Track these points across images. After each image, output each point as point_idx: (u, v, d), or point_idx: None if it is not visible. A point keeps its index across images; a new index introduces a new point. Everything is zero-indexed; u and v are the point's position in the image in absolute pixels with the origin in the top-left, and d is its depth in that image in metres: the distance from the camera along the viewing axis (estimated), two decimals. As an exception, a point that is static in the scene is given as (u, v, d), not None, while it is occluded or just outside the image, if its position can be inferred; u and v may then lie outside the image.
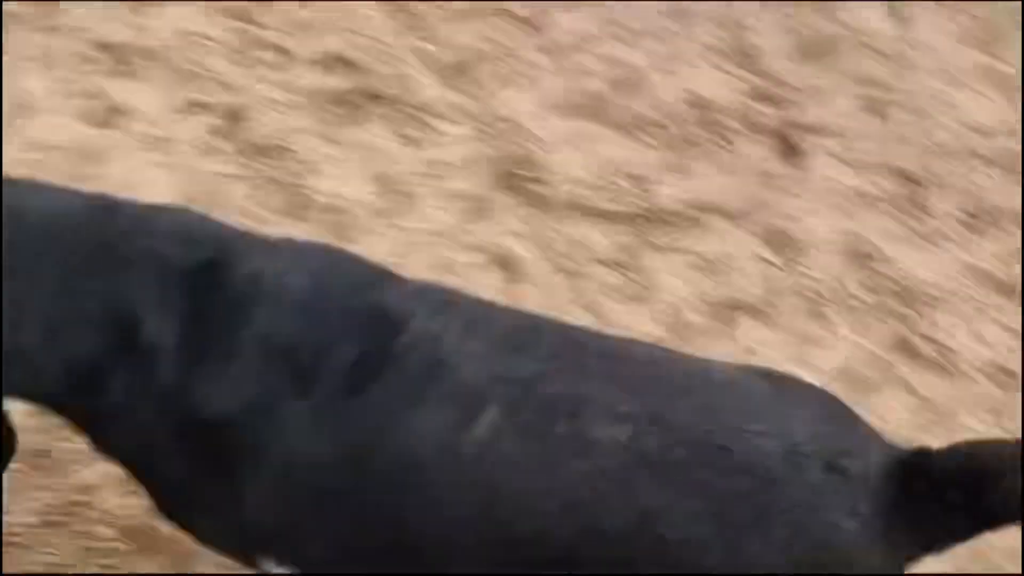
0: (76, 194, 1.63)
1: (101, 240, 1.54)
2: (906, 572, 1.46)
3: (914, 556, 1.45)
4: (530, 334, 1.63)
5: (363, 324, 1.58)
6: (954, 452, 1.43)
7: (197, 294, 1.56)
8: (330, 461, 1.58)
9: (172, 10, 3.57)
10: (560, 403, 1.50)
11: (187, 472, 1.64)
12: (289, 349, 1.55)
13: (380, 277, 1.67)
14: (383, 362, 1.56)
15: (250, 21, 3.59)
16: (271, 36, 3.58)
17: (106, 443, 1.70)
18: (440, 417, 1.53)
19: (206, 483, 1.65)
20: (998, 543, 2.06)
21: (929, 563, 1.48)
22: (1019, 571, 1.67)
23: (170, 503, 1.74)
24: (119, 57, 3.38)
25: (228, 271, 1.58)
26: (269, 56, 3.50)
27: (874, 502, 1.40)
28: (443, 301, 1.65)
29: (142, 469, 1.71)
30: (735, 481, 1.40)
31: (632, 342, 1.71)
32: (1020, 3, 4.53)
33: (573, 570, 1.47)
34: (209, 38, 3.50)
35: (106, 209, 1.59)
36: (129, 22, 3.49)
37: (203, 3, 3.59)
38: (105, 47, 3.40)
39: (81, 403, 1.62)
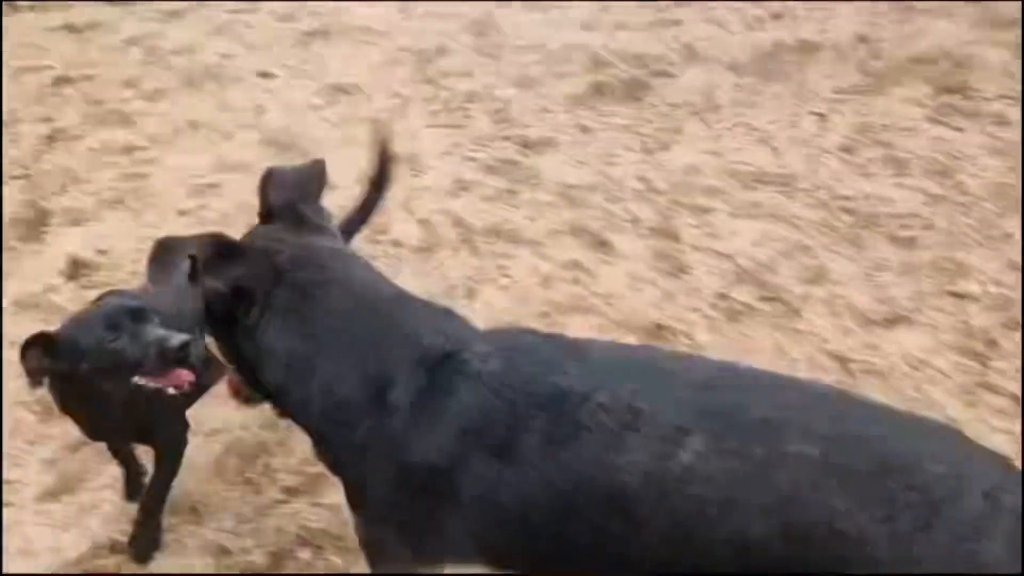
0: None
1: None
2: None
3: None
4: (720, 374, 2.04)
5: (553, 402, 1.96)
6: None
7: (429, 374, 2.07)
8: (530, 502, 1.97)
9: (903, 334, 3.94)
10: (758, 431, 1.83)
11: (392, 496, 2.13)
12: (479, 424, 1.99)
13: (565, 357, 2.05)
14: (579, 428, 1.92)
15: (984, 363, 3.77)
16: (1007, 384, 3.67)
17: (337, 463, 2.28)
18: (644, 453, 1.86)
19: (408, 507, 2.12)
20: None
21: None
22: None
23: (374, 517, 2.25)
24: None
25: (452, 359, 2.08)
26: (1003, 403, 3.58)
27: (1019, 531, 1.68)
28: (630, 366, 2.04)
29: (359, 486, 2.23)
30: (908, 495, 1.72)
31: (811, 381, 2.13)
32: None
33: (766, 565, 1.76)
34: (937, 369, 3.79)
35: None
36: (863, 340, 3.91)
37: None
38: (839, 358, 3.85)
39: (333, 434, 2.18)
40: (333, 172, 4.80)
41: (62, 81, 5.83)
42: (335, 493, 3.27)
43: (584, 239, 4.53)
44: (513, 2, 6.90)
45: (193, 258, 2.09)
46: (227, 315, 2.15)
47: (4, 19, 6.46)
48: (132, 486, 3.29)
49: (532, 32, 6.49)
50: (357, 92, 5.78)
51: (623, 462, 1.86)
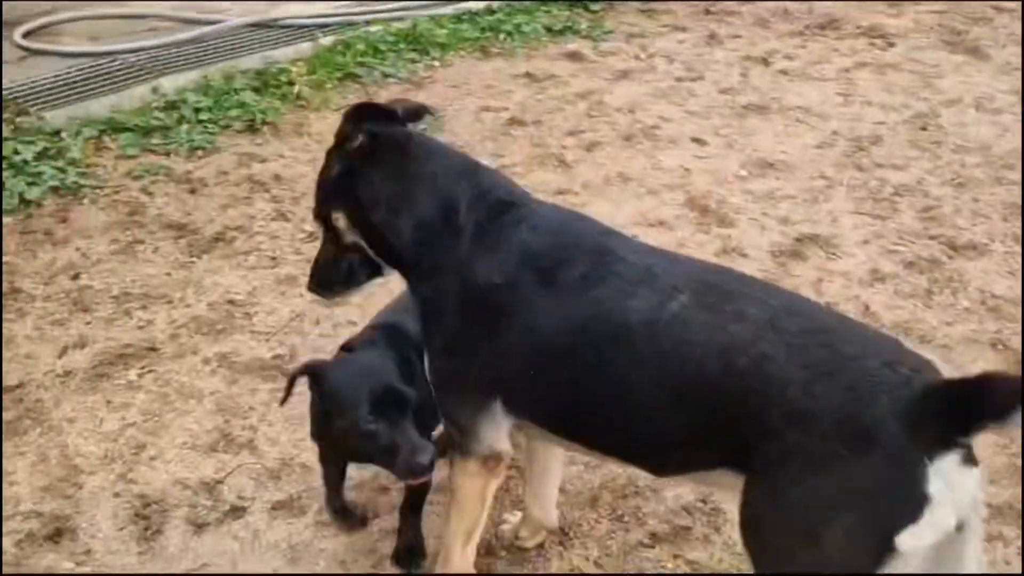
0: None
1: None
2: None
3: (932, 454, 2.16)
4: (717, 268, 2.86)
5: (593, 255, 2.61)
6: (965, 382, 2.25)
7: (492, 212, 2.71)
8: (561, 329, 2.57)
9: None
10: (731, 295, 2.49)
11: (459, 320, 2.70)
12: (534, 256, 2.62)
13: (612, 234, 2.74)
14: (604, 275, 2.56)
15: None
16: None
17: (421, 291, 2.83)
18: (646, 301, 2.50)
19: (470, 329, 2.69)
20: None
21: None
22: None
23: (441, 343, 2.76)
24: None
25: (516, 207, 2.74)
26: None
27: (909, 399, 2.21)
28: (656, 252, 2.78)
29: (433, 311, 2.77)
30: (821, 353, 2.33)
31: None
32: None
33: (713, 392, 2.40)
34: None
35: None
36: None
37: None
38: None
39: (420, 258, 2.78)
40: (745, 241, 5.01)
41: (515, 122, 6.38)
42: (700, 550, 3.34)
43: (1002, 354, 4.27)
44: (960, 103, 6.65)
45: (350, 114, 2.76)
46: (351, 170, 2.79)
47: (478, 64, 7.22)
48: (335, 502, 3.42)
49: (977, 133, 6.23)
50: (784, 169, 5.83)
51: (632, 304, 2.50)
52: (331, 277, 2.93)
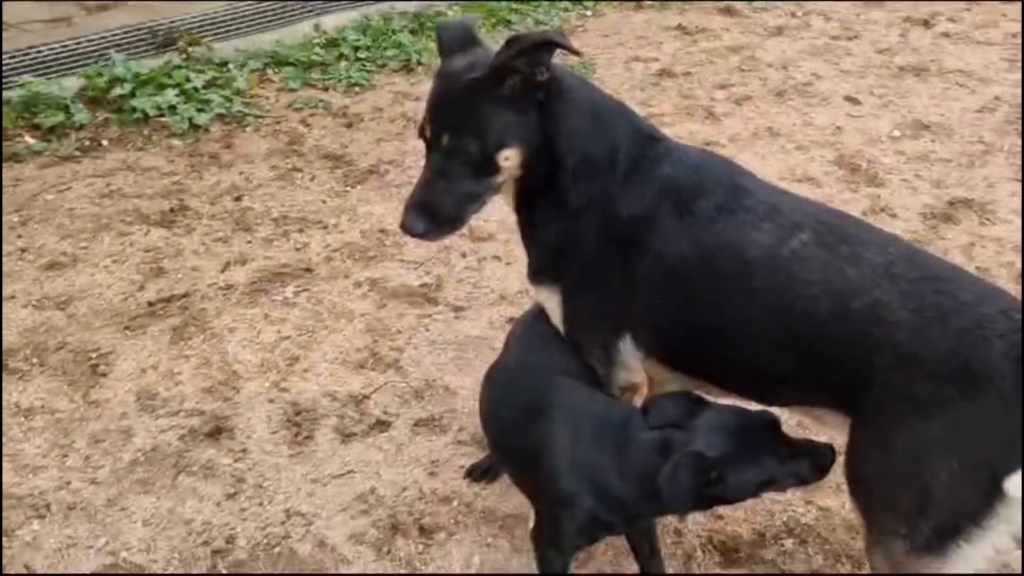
0: None
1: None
2: None
3: None
4: (840, 212, 2.83)
5: (727, 189, 2.66)
6: None
7: (636, 152, 2.72)
8: (689, 258, 2.62)
9: None
10: (850, 238, 2.52)
11: (600, 254, 2.73)
12: (674, 188, 2.67)
13: (745, 173, 2.79)
14: (734, 208, 2.62)
15: None
16: None
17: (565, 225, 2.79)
18: (769, 236, 2.55)
19: (609, 263, 2.72)
20: None
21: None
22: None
23: (579, 279, 2.78)
24: None
25: (662, 142, 2.78)
26: None
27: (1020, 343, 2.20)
28: (784, 192, 2.80)
29: (567, 249, 2.78)
30: (936, 299, 2.32)
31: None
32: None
33: (823, 332, 2.43)
34: None
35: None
36: None
37: None
38: None
39: (577, 189, 2.73)
40: (894, 202, 4.92)
41: (665, 74, 6.37)
42: (832, 498, 3.35)
43: None
44: None
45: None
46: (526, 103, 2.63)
47: (630, 15, 7.21)
48: None
49: None
50: (940, 132, 5.68)
51: (754, 237, 2.56)
52: (443, 211, 2.72)
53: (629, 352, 2.82)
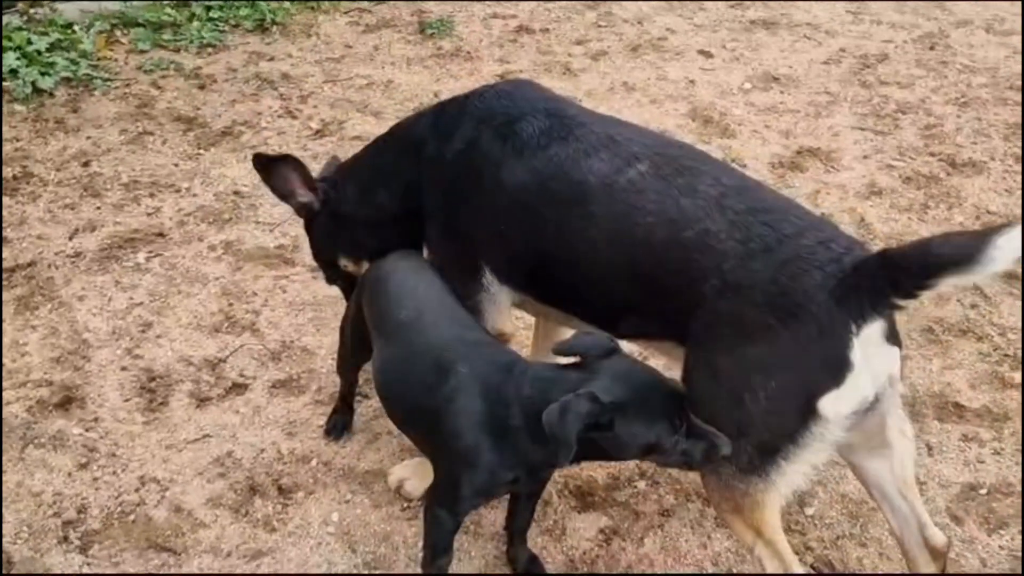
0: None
1: None
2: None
3: (858, 325, 2.32)
4: (679, 143, 3.02)
5: (548, 114, 2.78)
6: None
7: (435, 113, 3.04)
8: (526, 183, 2.70)
9: None
10: (685, 170, 2.60)
11: (443, 202, 2.90)
12: (490, 116, 2.82)
13: (563, 100, 2.97)
14: (566, 136, 2.70)
15: None
16: None
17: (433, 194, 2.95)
18: (607, 165, 2.63)
19: (452, 204, 2.88)
20: None
21: None
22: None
23: (437, 233, 2.96)
24: None
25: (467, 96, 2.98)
26: None
27: (839, 273, 2.34)
28: (621, 122, 2.92)
29: (430, 218, 2.96)
30: (762, 230, 2.44)
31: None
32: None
33: (658, 260, 2.53)
34: None
35: None
36: None
37: None
38: None
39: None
40: (745, 152, 5.07)
41: (523, 30, 6.40)
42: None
43: (992, 267, 4.33)
44: (970, 24, 6.64)
45: None
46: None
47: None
48: None
49: (985, 55, 6.24)
50: (788, 83, 5.86)
51: (590, 166, 2.65)
52: None
53: (496, 289, 2.91)
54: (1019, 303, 4.12)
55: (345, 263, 3.25)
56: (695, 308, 2.48)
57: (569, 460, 2.37)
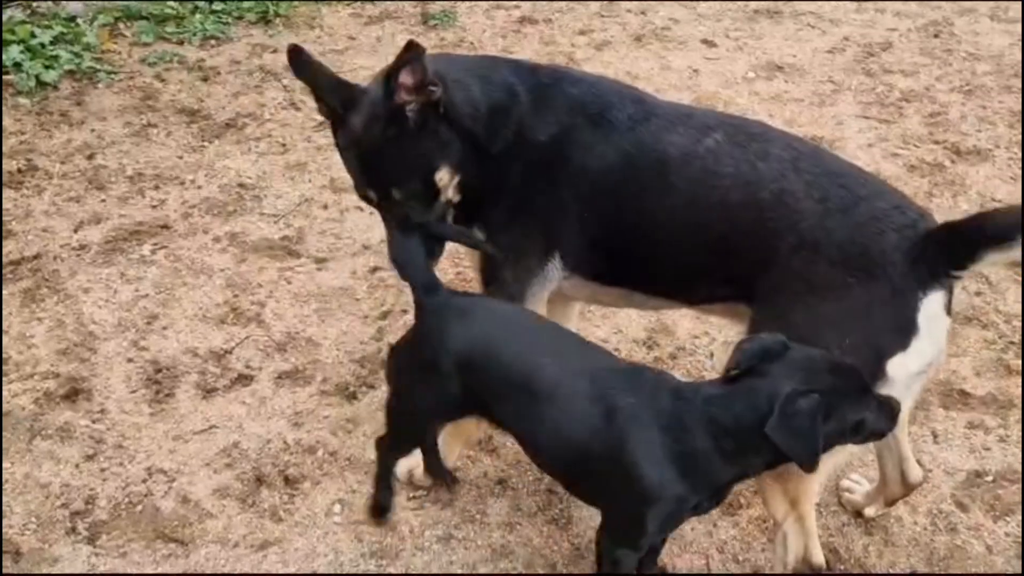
0: None
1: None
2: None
3: (926, 289, 2.40)
4: (745, 118, 3.10)
5: (633, 101, 2.86)
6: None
7: (531, 83, 2.86)
8: (612, 164, 2.75)
9: None
10: (758, 136, 2.72)
11: (525, 184, 2.82)
12: (582, 104, 2.82)
13: (638, 90, 2.99)
14: (648, 116, 2.79)
15: None
16: None
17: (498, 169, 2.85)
18: (685, 137, 2.73)
19: (535, 186, 2.81)
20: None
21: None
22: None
23: (507, 216, 2.85)
24: None
25: (554, 70, 3.01)
26: None
27: (913, 237, 2.42)
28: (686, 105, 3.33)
29: (506, 186, 2.84)
30: (837, 192, 2.53)
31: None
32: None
33: (734, 221, 2.62)
34: None
35: None
36: None
37: None
38: None
39: (492, 138, 2.82)
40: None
41: (526, 21, 6.39)
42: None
43: (997, 255, 4.33)
44: (975, 12, 6.62)
45: None
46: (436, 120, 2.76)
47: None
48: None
49: (989, 42, 6.22)
50: (792, 72, 5.85)
51: (671, 139, 2.73)
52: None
53: (553, 276, 2.92)
54: (1022, 291, 4.12)
55: (442, 176, 2.77)
56: (768, 267, 2.54)
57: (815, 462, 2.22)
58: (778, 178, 2.59)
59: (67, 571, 2.91)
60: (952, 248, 2.39)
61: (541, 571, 2.97)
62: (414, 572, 2.95)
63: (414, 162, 2.71)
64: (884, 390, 2.39)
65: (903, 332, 2.39)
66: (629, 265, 2.88)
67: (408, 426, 2.89)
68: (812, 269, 2.47)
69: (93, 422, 3.38)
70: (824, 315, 2.45)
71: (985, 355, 3.80)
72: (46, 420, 3.38)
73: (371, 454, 3.27)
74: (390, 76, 2.57)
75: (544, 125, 2.81)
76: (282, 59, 5.73)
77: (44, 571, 2.90)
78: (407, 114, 2.63)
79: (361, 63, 5.77)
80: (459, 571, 2.97)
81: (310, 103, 5.29)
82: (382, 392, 3.38)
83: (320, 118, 5.15)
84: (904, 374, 2.42)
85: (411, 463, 3.20)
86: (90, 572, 2.91)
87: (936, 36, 6.29)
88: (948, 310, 2.48)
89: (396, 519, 3.10)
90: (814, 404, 2.18)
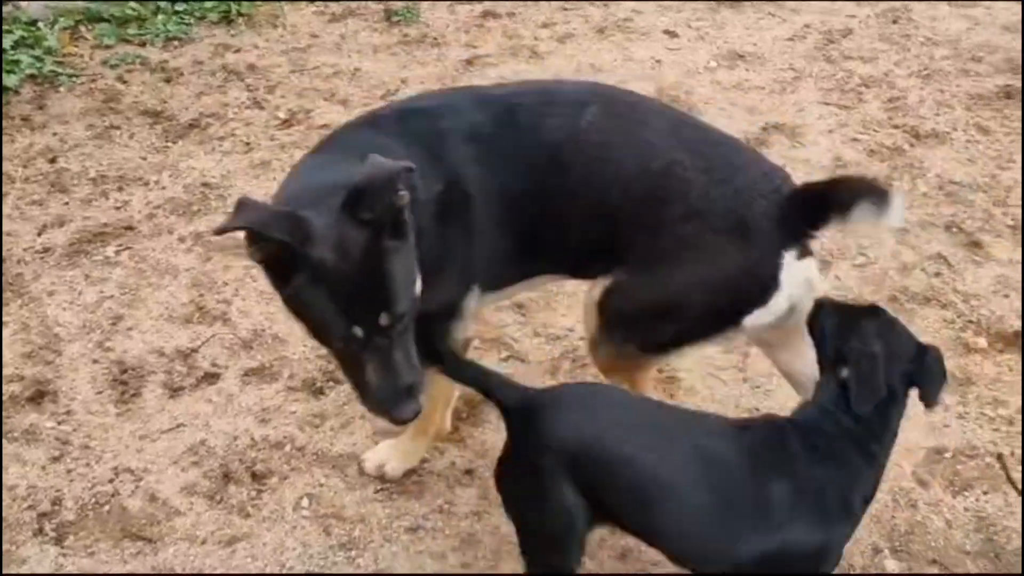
0: None
1: None
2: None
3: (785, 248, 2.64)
4: (607, 85, 3.10)
5: (491, 106, 2.77)
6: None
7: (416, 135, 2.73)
8: (503, 174, 2.67)
9: None
10: (635, 107, 2.85)
11: (442, 230, 2.64)
12: (446, 132, 2.69)
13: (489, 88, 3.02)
14: (514, 118, 2.72)
15: None
16: None
17: None
18: (560, 118, 2.73)
19: (449, 231, 2.66)
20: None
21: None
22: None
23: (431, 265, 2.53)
24: None
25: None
26: None
27: (778, 203, 2.65)
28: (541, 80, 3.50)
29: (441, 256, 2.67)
30: (720, 162, 2.71)
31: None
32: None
33: (626, 195, 2.69)
34: None
35: None
36: None
37: None
38: None
39: None
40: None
41: (489, 15, 6.40)
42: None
43: (956, 236, 4.40)
44: (936, -4, 6.70)
45: None
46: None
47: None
48: None
49: (947, 27, 6.28)
50: (754, 60, 5.89)
51: (549, 123, 2.72)
52: (418, 374, 2.49)
53: (476, 300, 2.86)
54: (982, 270, 4.18)
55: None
56: (656, 234, 2.69)
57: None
58: (666, 148, 2.70)
59: (35, 571, 2.91)
60: (807, 211, 2.64)
61: (509, 558, 3.00)
62: (383, 563, 2.98)
63: (401, 282, 2.38)
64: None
65: (765, 290, 2.67)
66: (537, 258, 2.88)
67: (545, 556, 2.51)
68: (697, 236, 2.66)
69: (59, 423, 3.39)
70: (700, 277, 2.68)
71: (944, 334, 3.85)
72: (11, 423, 3.38)
73: (339, 448, 3.31)
74: (353, 195, 2.29)
75: (436, 170, 2.60)
76: (245, 58, 5.81)
77: (12, 572, 2.91)
78: (382, 234, 2.31)
79: (325, 60, 5.78)
80: (428, 561, 2.99)
81: (273, 101, 5.32)
82: (348, 387, 3.38)
83: (283, 116, 5.21)
84: (756, 325, 2.74)
85: (380, 457, 3.23)
86: (57, 572, 2.92)
87: (895, 22, 6.35)
88: (804, 255, 2.71)
89: (364, 511, 3.12)
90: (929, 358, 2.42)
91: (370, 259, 2.30)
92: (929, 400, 2.41)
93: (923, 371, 2.40)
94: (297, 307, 2.40)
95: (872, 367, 2.34)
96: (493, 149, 2.70)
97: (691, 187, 2.66)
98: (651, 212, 2.69)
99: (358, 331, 2.34)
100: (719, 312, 2.72)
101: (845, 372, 2.38)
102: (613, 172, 2.71)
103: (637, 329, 2.77)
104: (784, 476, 2.34)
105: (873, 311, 2.51)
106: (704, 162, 2.69)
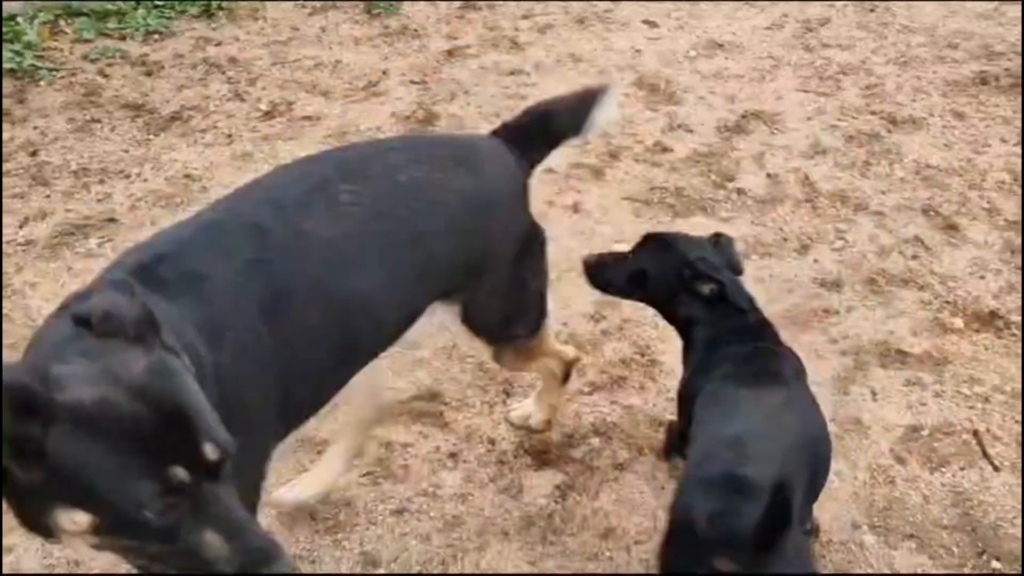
0: None
1: None
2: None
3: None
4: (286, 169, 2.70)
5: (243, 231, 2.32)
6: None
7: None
8: (298, 316, 2.26)
9: None
10: (368, 160, 2.59)
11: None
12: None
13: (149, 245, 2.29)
14: (264, 233, 2.28)
15: None
16: None
17: None
18: (319, 216, 2.35)
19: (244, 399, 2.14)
20: None
21: None
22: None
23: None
24: None
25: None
26: None
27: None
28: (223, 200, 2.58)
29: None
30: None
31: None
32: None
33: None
34: None
35: None
36: None
37: None
38: None
39: None
40: (691, 118, 5.15)
41: (469, 7, 6.43)
42: (636, 397, 3.54)
43: (933, 220, 4.45)
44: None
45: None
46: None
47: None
48: None
49: (924, 14, 6.34)
50: (733, 49, 5.94)
51: (308, 227, 2.32)
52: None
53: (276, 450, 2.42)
54: (958, 252, 4.23)
55: None
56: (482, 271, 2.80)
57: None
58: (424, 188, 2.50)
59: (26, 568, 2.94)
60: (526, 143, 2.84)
61: (493, 539, 3.03)
62: (368, 545, 3.00)
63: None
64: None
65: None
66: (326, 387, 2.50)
67: None
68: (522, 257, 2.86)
69: (44, 414, 3.39)
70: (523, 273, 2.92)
71: (921, 315, 3.90)
72: (-4, 414, 3.38)
73: (323, 433, 3.33)
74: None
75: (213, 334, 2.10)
76: (226, 51, 5.82)
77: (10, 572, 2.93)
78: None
79: (306, 53, 5.79)
80: (413, 543, 3.02)
81: (255, 94, 5.34)
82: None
83: (265, 108, 5.22)
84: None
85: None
86: (50, 573, 2.94)
87: (872, 11, 6.40)
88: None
89: (350, 495, 3.14)
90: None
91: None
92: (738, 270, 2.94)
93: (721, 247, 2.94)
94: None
95: (715, 267, 2.82)
96: (215, 288, 2.18)
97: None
98: (480, 258, 2.73)
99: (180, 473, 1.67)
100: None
101: (707, 288, 2.80)
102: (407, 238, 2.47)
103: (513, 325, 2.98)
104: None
105: (648, 240, 2.99)
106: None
